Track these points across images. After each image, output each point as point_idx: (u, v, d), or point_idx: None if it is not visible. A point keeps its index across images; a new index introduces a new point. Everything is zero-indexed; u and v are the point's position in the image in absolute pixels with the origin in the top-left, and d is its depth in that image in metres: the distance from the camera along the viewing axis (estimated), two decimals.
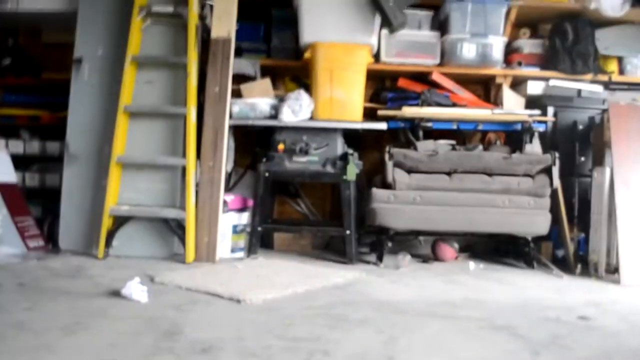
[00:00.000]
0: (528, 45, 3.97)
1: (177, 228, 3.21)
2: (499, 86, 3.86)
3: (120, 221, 3.23)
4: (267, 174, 3.41)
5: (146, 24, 3.38)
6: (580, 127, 3.63)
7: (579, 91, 3.76)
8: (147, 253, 3.24)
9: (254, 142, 3.84)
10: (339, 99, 3.44)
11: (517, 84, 3.94)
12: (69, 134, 3.41)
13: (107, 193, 3.19)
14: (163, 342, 1.83)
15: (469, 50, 3.72)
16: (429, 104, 3.57)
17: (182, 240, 3.17)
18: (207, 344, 1.82)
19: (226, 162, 3.36)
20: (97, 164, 3.37)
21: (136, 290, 2.31)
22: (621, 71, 3.96)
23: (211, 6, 3.45)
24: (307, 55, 3.48)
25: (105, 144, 3.33)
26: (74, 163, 3.39)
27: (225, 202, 3.34)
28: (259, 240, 3.43)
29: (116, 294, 2.35)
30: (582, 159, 3.59)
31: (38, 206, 3.87)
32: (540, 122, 3.61)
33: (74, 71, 3.44)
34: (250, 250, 3.40)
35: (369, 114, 3.65)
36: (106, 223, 3.17)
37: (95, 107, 3.41)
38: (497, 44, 3.73)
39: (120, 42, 3.37)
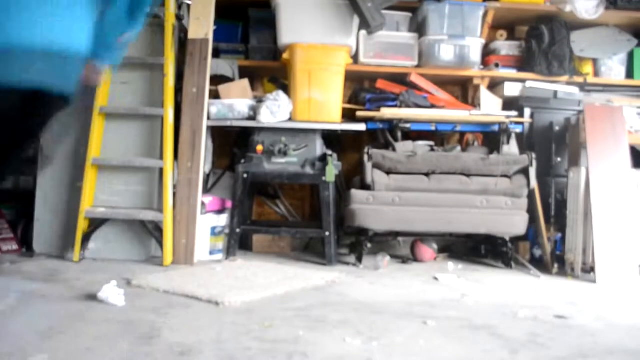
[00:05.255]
0: (505, 47, 4.01)
1: (154, 230, 3.18)
2: (477, 87, 3.89)
3: (96, 224, 3.19)
4: (245, 175, 3.39)
5: None
6: (557, 128, 3.68)
7: (555, 93, 3.80)
8: (124, 256, 3.21)
9: (233, 143, 3.82)
10: (317, 100, 3.44)
11: (495, 86, 3.97)
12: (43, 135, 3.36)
13: (82, 195, 3.15)
14: (140, 345, 1.81)
15: (446, 52, 3.75)
16: (408, 105, 3.58)
17: (160, 242, 3.14)
18: (186, 347, 1.80)
19: (204, 163, 3.33)
20: (72, 166, 3.32)
21: (113, 293, 2.28)
22: (596, 73, 4.02)
23: (188, 6, 3.43)
24: (285, 56, 3.47)
25: (81, 145, 3.28)
26: (49, 165, 3.33)
27: (203, 204, 3.31)
28: (238, 242, 3.41)
29: (92, 297, 2.32)
30: (559, 159, 3.63)
31: (11, 209, 3.80)
32: (517, 123, 3.65)
33: None
34: (229, 252, 3.37)
35: (348, 115, 3.65)
36: (82, 225, 3.13)
37: (71, 108, 3.35)
38: (474, 46, 3.76)
39: None
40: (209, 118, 3.36)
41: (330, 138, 3.65)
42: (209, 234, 3.37)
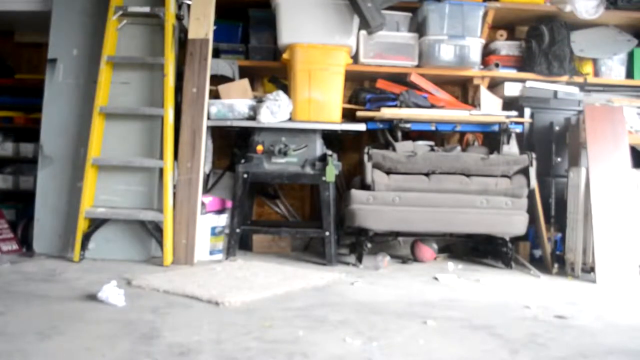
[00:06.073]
0: (505, 47, 4.01)
1: (154, 230, 3.18)
2: (477, 87, 3.89)
3: (96, 223, 3.19)
4: (245, 175, 3.39)
5: (122, 24, 3.35)
6: (557, 128, 3.68)
7: (555, 93, 3.80)
8: (124, 256, 3.20)
9: (233, 143, 3.82)
10: (317, 100, 3.44)
11: (495, 86, 3.97)
12: (43, 135, 3.35)
13: (82, 195, 3.15)
14: (140, 345, 1.81)
15: (446, 52, 3.74)
16: (408, 105, 3.58)
17: (160, 242, 3.14)
18: (186, 347, 1.80)
19: (204, 163, 3.33)
20: (72, 166, 3.32)
21: (113, 293, 2.28)
22: (596, 73, 4.01)
23: (188, 6, 3.43)
24: (285, 56, 3.47)
25: (81, 145, 3.29)
26: (49, 165, 3.33)
27: (203, 204, 3.31)
28: (238, 242, 3.41)
29: (92, 297, 2.32)
30: (559, 159, 3.63)
31: (11, 209, 3.81)
32: (517, 123, 3.64)
33: (49, 72, 3.39)
34: (229, 252, 3.37)
35: (348, 115, 3.65)
36: (82, 225, 3.13)
37: (71, 108, 3.36)
38: (474, 46, 3.76)
39: (96, 43, 3.33)
40: (209, 118, 3.36)
41: (330, 138, 3.65)
42: (209, 234, 3.37)
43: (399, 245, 3.85)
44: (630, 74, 4.02)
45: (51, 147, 3.35)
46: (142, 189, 3.28)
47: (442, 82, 3.95)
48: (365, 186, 3.35)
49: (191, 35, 3.35)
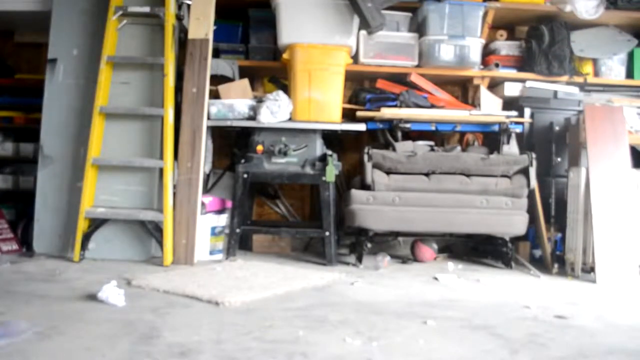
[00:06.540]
0: (505, 47, 4.01)
1: (154, 230, 3.18)
2: (477, 87, 3.89)
3: (96, 223, 3.19)
4: (245, 175, 3.39)
5: (122, 24, 3.35)
6: (557, 128, 3.68)
7: (555, 93, 3.80)
8: (124, 256, 3.20)
9: (233, 143, 3.82)
10: (317, 100, 3.44)
11: (495, 86, 3.97)
12: (43, 135, 3.35)
13: (82, 195, 3.15)
14: (140, 345, 1.81)
15: (446, 52, 3.75)
16: (408, 105, 3.58)
17: (160, 242, 3.14)
18: (186, 347, 1.80)
19: (204, 163, 3.33)
20: (72, 166, 3.32)
21: (112, 293, 2.28)
22: (596, 73, 4.01)
23: (188, 6, 3.43)
24: (285, 56, 3.47)
25: (81, 145, 3.28)
26: (49, 165, 3.33)
27: (203, 204, 3.31)
28: (238, 242, 3.41)
29: (92, 297, 2.32)
30: (559, 159, 3.63)
31: (11, 209, 3.81)
32: (517, 123, 3.64)
33: (49, 72, 3.39)
34: (229, 252, 3.37)
35: (348, 115, 3.65)
36: (82, 225, 3.13)
37: (71, 108, 3.36)
38: (474, 46, 3.76)
39: (96, 43, 3.33)
40: (209, 118, 3.36)
41: (330, 138, 3.65)
42: (209, 234, 3.37)
43: (399, 245, 3.85)
44: (630, 74, 4.02)
45: (51, 147, 3.35)
46: (142, 189, 3.28)
47: (442, 82, 3.95)
48: (365, 186, 3.35)
49: (191, 35, 3.35)
